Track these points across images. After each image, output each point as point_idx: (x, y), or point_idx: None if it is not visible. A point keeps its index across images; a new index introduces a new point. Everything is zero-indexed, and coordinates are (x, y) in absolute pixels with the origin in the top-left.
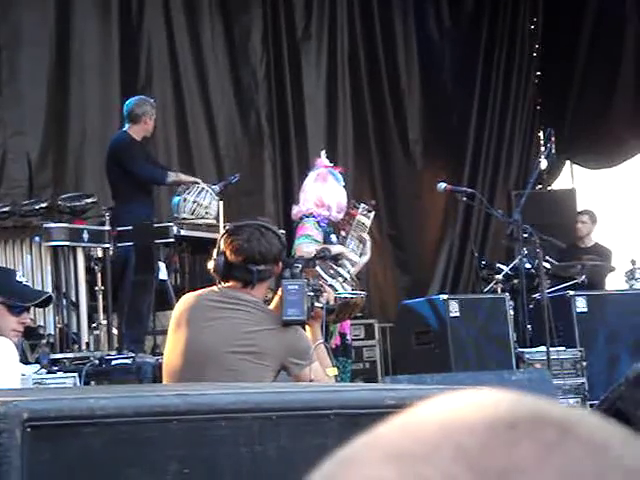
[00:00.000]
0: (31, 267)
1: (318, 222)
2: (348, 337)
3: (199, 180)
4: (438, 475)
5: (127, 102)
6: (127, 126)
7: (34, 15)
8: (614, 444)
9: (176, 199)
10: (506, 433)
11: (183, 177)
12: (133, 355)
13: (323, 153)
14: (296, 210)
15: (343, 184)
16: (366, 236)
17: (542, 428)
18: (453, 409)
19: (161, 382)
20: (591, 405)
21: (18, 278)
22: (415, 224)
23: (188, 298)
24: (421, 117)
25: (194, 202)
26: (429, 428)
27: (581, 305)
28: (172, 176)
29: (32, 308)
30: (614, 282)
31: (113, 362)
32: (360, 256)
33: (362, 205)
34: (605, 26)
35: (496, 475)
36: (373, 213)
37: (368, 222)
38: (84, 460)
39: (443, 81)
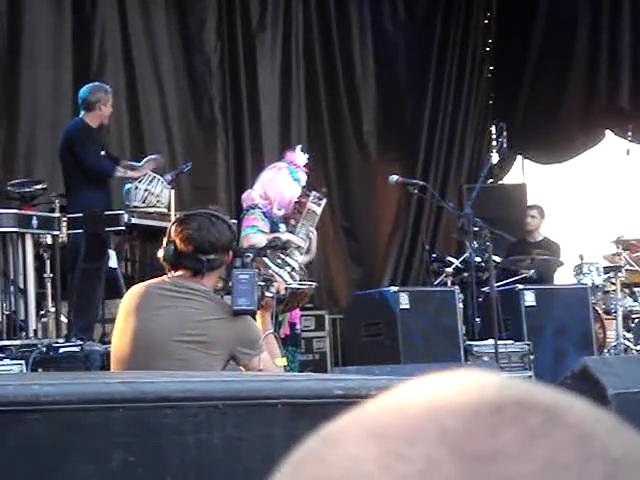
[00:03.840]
0: None
1: (264, 213)
2: (298, 327)
3: (150, 160)
4: (420, 457)
5: (82, 89)
6: (82, 113)
7: None
8: (601, 433)
9: (127, 186)
10: (491, 417)
11: (131, 173)
12: (81, 343)
13: (299, 147)
14: (246, 194)
15: (302, 184)
16: (313, 233)
17: (528, 414)
18: (439, 391)
19: (109, 370)
20: None
21: None
22: (368, 216)
23: (138, 287)
24: (376, 109)
25: (146, 190)
26: (414, 409)
27: (529, 299)
28: (120, 172)
29: None
30: (562, 277)
31: (61, 350)
32: (306, 253)
33: (313, 193)
34: (557, 22)
35: (479, 460)
36: (324, 201)
37: (319, 210)
38: (28, 447)
39: (397, 74)
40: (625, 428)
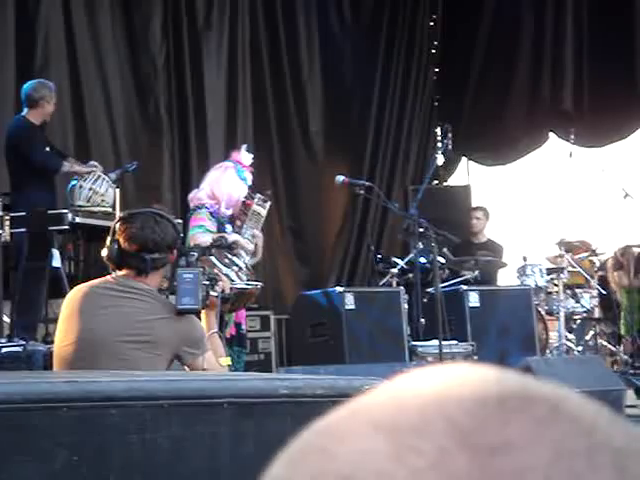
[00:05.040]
0: None
1: (211, 213)
2: (243, 327)
3: (95, 169)
4: (432, 449)
5: (25, 86)
6: (25, 111)
7: None
8: (602, 423)
9: (72, 184)
10: (497, 409)
11: (78, 168)
12: (24, 343)
13: (244, 147)
14: (192, 194)
15: (248, 183)
16: (259, 235)
17: (532, 404)
18: (440, 382)
19: (52, 371)
20: None
21: None
22: (315, 216)
23: (81, 287)
24: (322, 110)
25: (90, 189)
26: (418, 401)
27: (473, 300)
28: (67, 166)
29: None
30: (506, 278)
31: (3, 350)
32: (252, 256)
33: (258, 195)
34: (502, 25)
35: (489, 452)
36: (269, 203)
37: (264, 212)
38: None
39: (344, 75)
40: (620, 419)
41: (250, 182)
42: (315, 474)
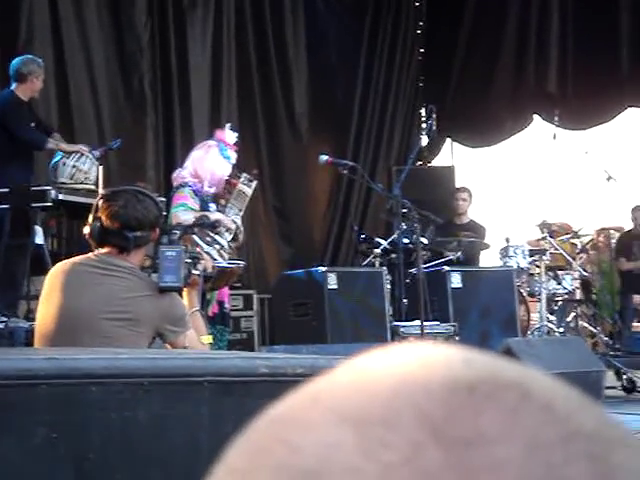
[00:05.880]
0: None
1: (194, 191)
2: (226, 306)
3: (82, 148)
4: (404, 443)
5: (13, 61)
6: (14, 85)
7: None
8: (573, 409)
9: (54, 161)
10: (467, 397)
11: (63, 146)
12: (6, 320)
13: (228, 126)
14: (176, 173)
15: (232, 162)
16: (239, 222)
17: (503, 391)
18: (405, 365)
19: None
20: None
21: None
22: (299, 196)
23: (63, 264)
24: (307, 90)
25: (73, 167)
26: (384, 387)
27: (456, 281)
28: (51, 143)
29: None
30: (488, 259)
31: None
32: (232, 240)
33: (244, 175)
34: (487, 7)
35: (463, 445)
36: (255, 183)
37: (249, 191)
38: None
39: (329, 56)
40: (589, 401)
41: (234, 161)
42: (277, 467)
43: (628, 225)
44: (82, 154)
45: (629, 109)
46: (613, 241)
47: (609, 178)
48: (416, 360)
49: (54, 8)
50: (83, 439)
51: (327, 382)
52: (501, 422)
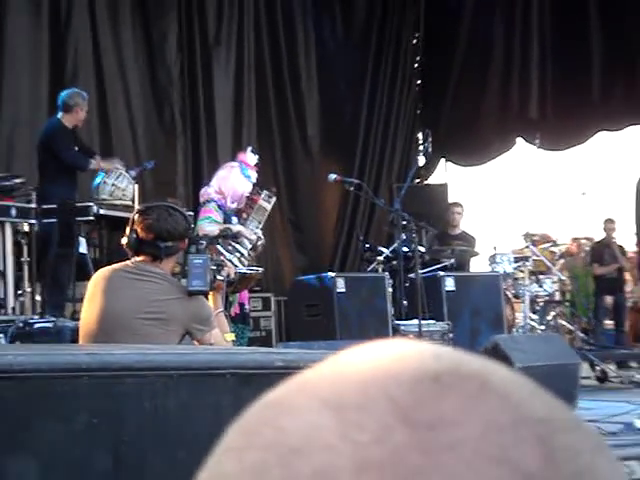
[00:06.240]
0: None
1: (219, 205)
2: (247, 307)
3: (119, 166)
4: (375, 425)
5: (62, 93)
6: (60, 114)
7: None
8: (526, 395)
9: (97, 181)
10: (432, 385)
11: (103, 164)
12: (54, 319)
13: (249, 149)
14: (203, 190)
15: (252, 181)
16: (260, 233)
17: (464, 381)
18: (381, 359)
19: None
20: None
21: None
22: (312, 210)
23: (104, 271)
24: (318, 116)
25: (113, 185)
26: (361, 377)
27: (450, 284)
28: (93, 164)
29: None
30: (478, 265)
31: (36, 325)
32: (251, 249)
33: (265, 192)
34: (477, 43)
35: (427, 427)
36: (274, 199)
37: (269, 207)
38: (1, 410)
39: (337, 85)
40: (543, 391)
41: (255, 180)
42: (267, 446)
43: (600, 235)
44: (121, 174)
45: (601, 132)
46: (586, 249)
47: (583, 194)
48: (392, 354)
49: (96, 45)
50: (119, 424)
51: (314, 373)
52: (461, 407)
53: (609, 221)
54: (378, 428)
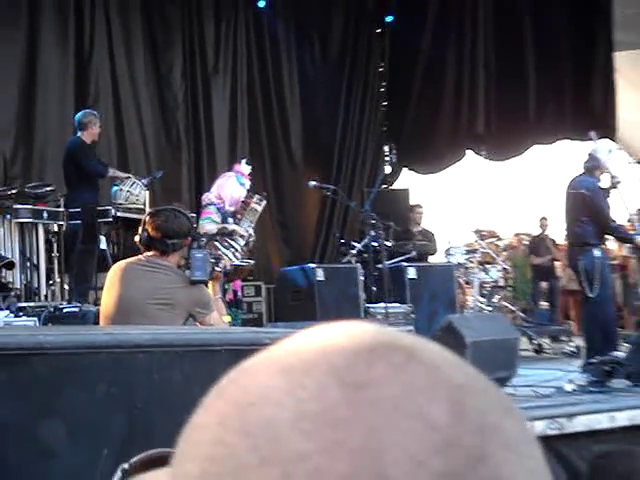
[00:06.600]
0: (3, 238)
1: (217, 208)
2: (239, 294)
3: (131, 175)
4: (315, 385)
5: (76, 115)
6: (79, 133)
7: (7, 48)
8: (446, 366)
9: (114, 189)
10: (366, 356)
11: (119, 173)
12: (80, 305)
13: (244, 161)
14: (204, 196)
15: (246, 187)
16: (251, 232)
17: (394, 352)
18: (330, 336)
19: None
20: None
21: None
22: (296, 212)
23: (120, 263)
24: (301, 132)
25: (127, 192)
26: (310, 350)
27: (412, 273)
28: (111, 172)
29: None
30: (435, 256)
31: (65, 310)
32: (245, 245)
33: (256, 196)
34: (432, 72)
35: (357, 387)
36: (264, 202)
37: (260, 209)
38: (35, 381)
39: (317, 106)
40: (465, 363)
41: (248, 187)
42: (230, 400)
43: (536, 231)
44: (134, 182)
45: (536, 145)
46: (525, 242)
47: (521, 197)
48: (341, 332)
49: (114, 75)
50: (133, 393)
51: (278, 346)
52: (387, 373)
53: (543, 219)
54: (317, 387)
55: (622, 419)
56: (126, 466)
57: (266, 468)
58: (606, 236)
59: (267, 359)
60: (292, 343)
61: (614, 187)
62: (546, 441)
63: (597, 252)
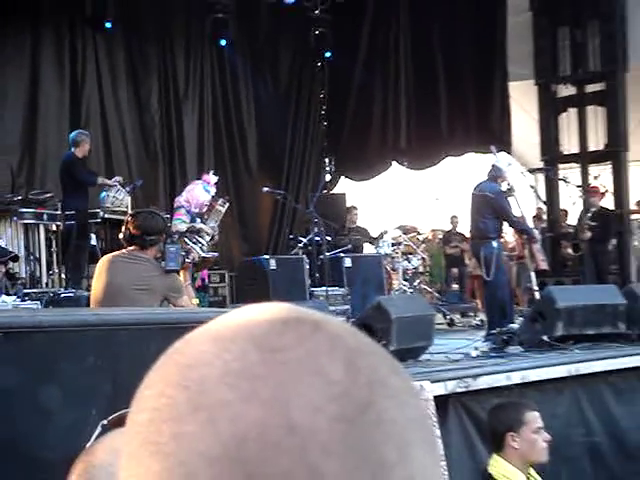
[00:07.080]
0: (10, 236)
1: (187, 210)
2: (206, 280)
3: (117, 183)
4: (238, 350)
5: (70, 134)
6: (73, 149)
7: (15, 81)
8: (345, 335)
9: (102, 195)
10: (280, 327)
11: (106, 181)
12: (74, 291)
13: (212, 172)
14: (176, 199)
15: (212, 194)
16: (216, 229)
17: (303, 324)
18: (253, 313)
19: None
20: (352, 321)
21: None
22: (253, 213)
23: (107, 256)
24: (256, 147)
25: (113, 197)
26: (236, 323)
27: (348, 262)
28: (99, 180)
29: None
30: (367, 248)
31: (62, 295)
32: (210, 240)
33: (220, 199)
34: (362, 97)
35: (271, 351)
36: (227, 204)
37: (223, 210)
38: (35, 354)
39: (269, 125)
40: (361, 333)
41: (213, 193)
42: (174, 363)
43: (448, 226)
44: (119, 189)
45: (448, 157)
46: (440, 236)
47: (437, 199)
48: (265, 310)
49: (102, 101)
50: (118, 364)
51: (215, 320)
52: (296, 340)
53: (454, 217)
54: (239, 351)
55: (516, 378)
56: (105, 422)
57: (197, 414)
58: (504, 230)
59: (204, 330)
60: (224, 318)
61: (510, 194)
62: (456, 396)
63: (495, 244)
